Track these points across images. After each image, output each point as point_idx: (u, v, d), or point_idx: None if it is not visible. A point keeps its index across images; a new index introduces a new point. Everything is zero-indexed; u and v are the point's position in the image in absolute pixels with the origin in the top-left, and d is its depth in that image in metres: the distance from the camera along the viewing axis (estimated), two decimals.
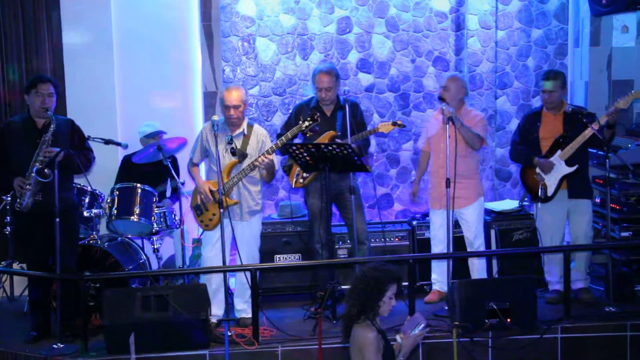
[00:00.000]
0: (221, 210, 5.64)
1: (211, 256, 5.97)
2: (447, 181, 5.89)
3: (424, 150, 6.59)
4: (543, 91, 6.21)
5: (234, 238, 5.87)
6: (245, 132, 5.96)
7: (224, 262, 5.65)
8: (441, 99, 6.08)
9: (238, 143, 5.89)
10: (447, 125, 5.90)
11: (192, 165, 6.14)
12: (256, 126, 6.08)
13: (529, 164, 6.29)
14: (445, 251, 6.14)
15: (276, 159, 6.00)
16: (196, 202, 6.00)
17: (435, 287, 6.48)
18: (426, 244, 6.74)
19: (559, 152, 6.10)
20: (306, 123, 5.78)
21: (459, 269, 6.32)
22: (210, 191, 5.89)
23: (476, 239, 6.33)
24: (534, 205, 6.50)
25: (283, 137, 5.86)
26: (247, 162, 5.89)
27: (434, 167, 6.38)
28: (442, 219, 6.14)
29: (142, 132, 6.90)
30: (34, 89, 5.69)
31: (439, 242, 6.33)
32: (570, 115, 6.08)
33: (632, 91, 6.03)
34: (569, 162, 6.08)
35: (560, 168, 6.11)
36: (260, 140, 6.00)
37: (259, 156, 5.80)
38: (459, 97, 6.22)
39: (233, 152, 5.76)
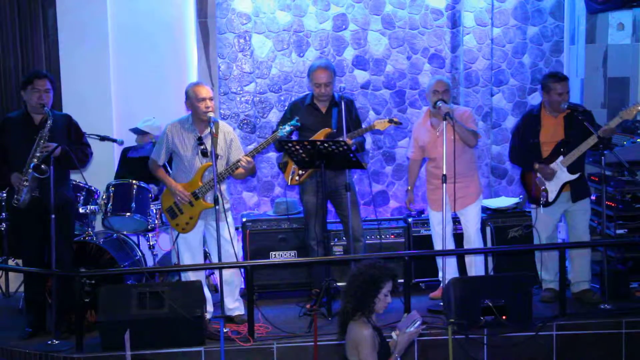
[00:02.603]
0: (216, 207, 5.51)
1: (189, 257, 5.93)
2: (444, 177, 5.84)
3: (413, 159, 6.51)
4: (560, 94, 5.98)
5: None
6: (213, 130, 5.71)
7: (219, 258, 5.64)
8: (444, 101, 5.99)
9: (207, 143, 5.69)
10: (444, 122, 5.85)
11: (157, 167, 5.94)
12: (221, 123, 5.94)
13: (529, 169, 6.22)
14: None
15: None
16: (169, 204, 5.88)
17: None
18: (422, 241, 6.74)
19: (560, 158, 6.02)
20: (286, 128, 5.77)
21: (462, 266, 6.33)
22: (193, 194, 5.77)
23: (475, 237, 6.29)
24: (530, 206, 6.46)
25: (264, 143, 5.78)
26: (221, 163, 5.75)
27: (433, 170, 6.25)
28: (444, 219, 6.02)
29: (140, 125, 6.86)
30: (30, 85, 5.67)
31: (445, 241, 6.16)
32: (570, 116, 5.99)
33: (638, 102, 5.98)
34: (571, 169, 5.99)
35: (562, 175, 6.02)
36: (228, 138, 5.85)
37: (243, 156, 5.68)
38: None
39: (205, 154, 5.61)
